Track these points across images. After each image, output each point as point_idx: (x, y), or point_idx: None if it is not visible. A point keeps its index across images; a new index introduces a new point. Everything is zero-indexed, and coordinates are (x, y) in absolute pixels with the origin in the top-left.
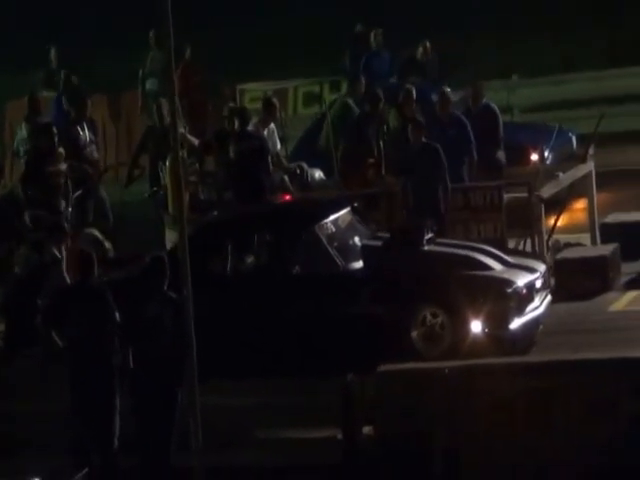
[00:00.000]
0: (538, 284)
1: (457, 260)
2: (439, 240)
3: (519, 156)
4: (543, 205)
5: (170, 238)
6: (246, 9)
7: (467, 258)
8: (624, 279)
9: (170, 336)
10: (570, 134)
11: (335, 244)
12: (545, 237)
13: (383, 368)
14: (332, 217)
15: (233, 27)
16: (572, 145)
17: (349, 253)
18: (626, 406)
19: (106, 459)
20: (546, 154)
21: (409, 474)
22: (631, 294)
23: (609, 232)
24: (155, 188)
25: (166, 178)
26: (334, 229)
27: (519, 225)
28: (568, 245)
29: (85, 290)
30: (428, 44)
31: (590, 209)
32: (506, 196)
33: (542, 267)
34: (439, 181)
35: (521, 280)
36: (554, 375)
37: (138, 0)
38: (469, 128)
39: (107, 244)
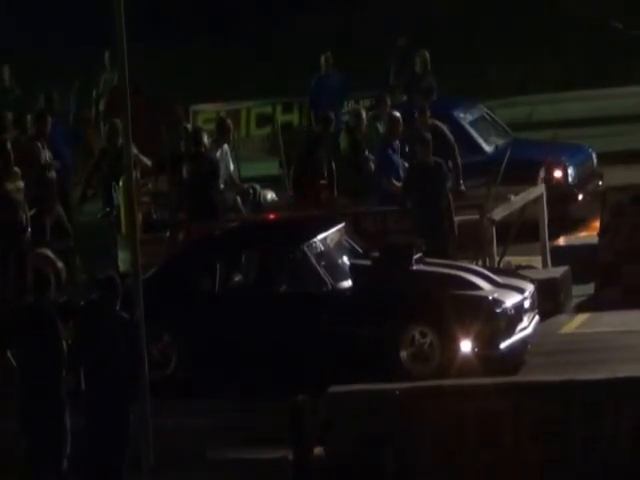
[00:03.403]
0: (527, 304)
1: (446, 280)
2: (428, 260)
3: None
4: (494, 227)
5: (123, 258)
6: (198, 29)
7: (456, 278)
8: (575, 302)
9: (122, 356)
10: (590, 150)
11: (324, 263)
12: (496, 259)
13: (334, 389)
14: (321, 235)
15: (186, 47)
16: (593, 162)
17: (338, 272)
18: (575, 429)
19: (57, 479)
20: (569, 171)
21: None
22: (582, 317)
23: (560, 255)
24: (108, 209)
25: (119, 198)
26: (323, 247)
27: (470, 247)
28: (519, 267)
29: (36, 310)
30: (427, 53)
31: (541, 232)
32: (458, 218)
33: (530, 287)
34: (443, 199)
35: (510, 300)
36: (504, 397)
37: (92, 19)
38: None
39: (60, 264)
